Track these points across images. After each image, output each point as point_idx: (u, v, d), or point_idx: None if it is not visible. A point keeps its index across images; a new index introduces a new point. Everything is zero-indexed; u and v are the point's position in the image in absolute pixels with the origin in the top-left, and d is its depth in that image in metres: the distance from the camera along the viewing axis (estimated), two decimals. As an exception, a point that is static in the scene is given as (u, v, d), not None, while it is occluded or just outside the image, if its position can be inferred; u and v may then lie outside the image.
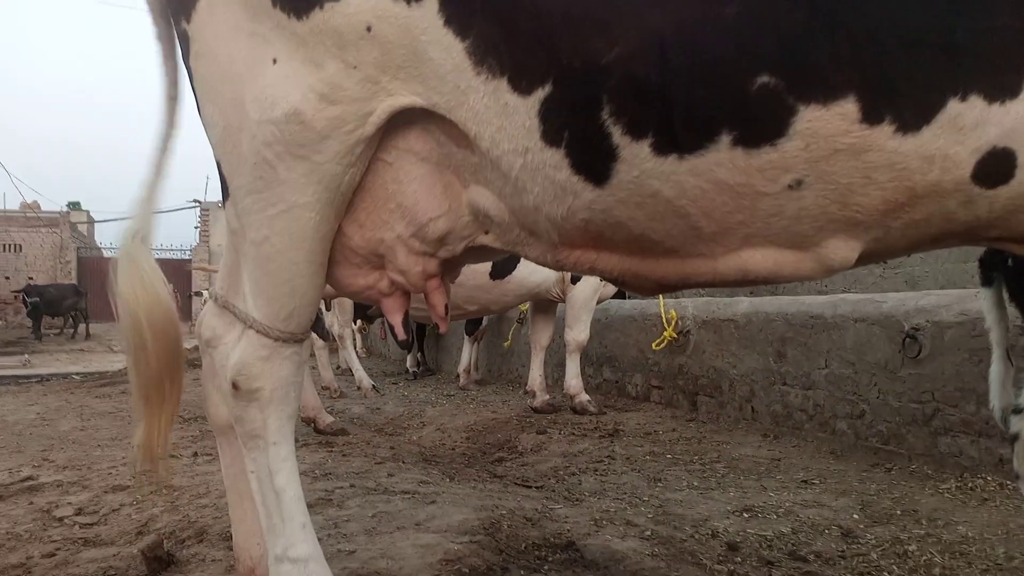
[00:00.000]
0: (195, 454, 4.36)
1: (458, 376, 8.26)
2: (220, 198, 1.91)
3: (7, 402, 7.35)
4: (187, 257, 32.47)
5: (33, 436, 5.24)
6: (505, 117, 1.47)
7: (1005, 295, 2.01)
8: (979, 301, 2.39)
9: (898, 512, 3.13)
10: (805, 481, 3.69)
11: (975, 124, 1.23)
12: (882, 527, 2.96)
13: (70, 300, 24.16)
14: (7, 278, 28.88)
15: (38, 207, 33.21)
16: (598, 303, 6.35)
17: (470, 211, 1.73)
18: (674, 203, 1.41)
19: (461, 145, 1.62)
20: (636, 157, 1.38)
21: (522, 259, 2.04)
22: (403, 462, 4.28)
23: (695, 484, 3.73)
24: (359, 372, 7.74)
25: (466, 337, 8.31)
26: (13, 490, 3.60)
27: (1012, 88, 1.22)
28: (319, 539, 1.99)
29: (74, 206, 34.78)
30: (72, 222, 32.06)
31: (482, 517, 2.95)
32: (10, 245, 30.07)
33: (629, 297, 6.96)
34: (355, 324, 10.10)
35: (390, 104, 1.59)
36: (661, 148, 1.36)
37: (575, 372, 6.17)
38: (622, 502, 3.40)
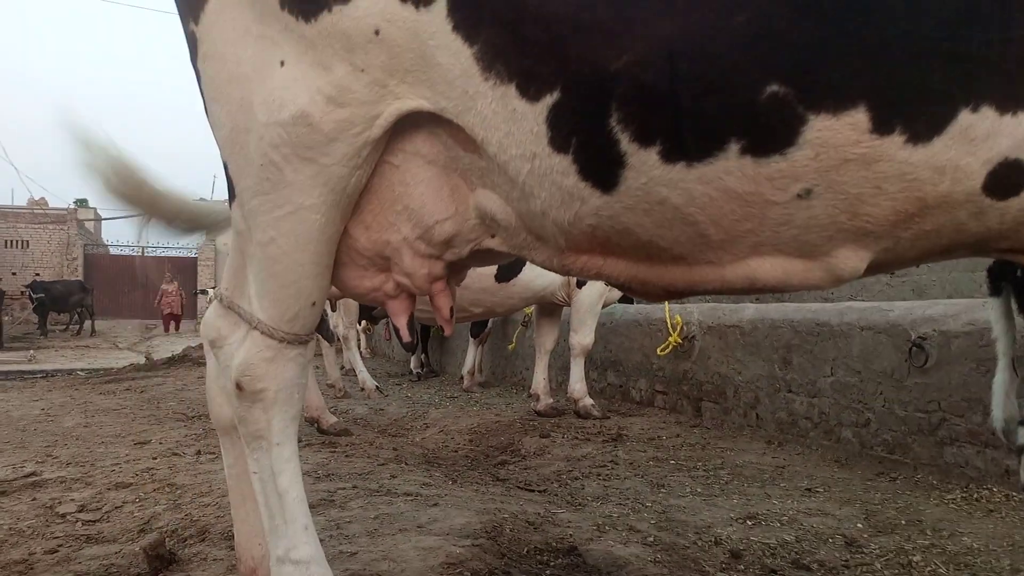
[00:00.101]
0: (198, 452, 4.36)
1: (462, 378, 8.26)
2: (226, 197, 1.91)
3: (12, 397, 7.38)
4: (193, 255, 32.57)
5: (37, 432, 5.26)
6: (513, 123, 1.47)
7: (1014, 305, 2.00)
8: (987, 311, 2.38)
9: (903, 522, 3.11)
10: (809, 489, 3.68)
11: (987, 135, 1.22)
12: (886, 537, 2.94)
13: (76, 296, 24.27)
14: (14, 274, 29.01)
15: (45, 204, 33.36)
16: (603, 307, 6.34)
17: (477, 214, 1.73)
18: (682, 210, 1.40)
19: (468, 149, 1.62)
20: (644, 164, 1.38)
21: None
22: (406, 464, 4.28)
23: (698, 490, 3.71)
24: (362, 373, 7.75)
25: (471, 339, 8.31)
26: (16, 486, 3.62)
27: None
28: (321, 540, 1.98)
29: (81, 203, 34.85)
30: (79, 219, 32.16)
31: (484, 521, 2.95)
32: (17, 241, 30.20)
33: (635, 302, 6.95)
34: (359, 325, 10.12)
35: (397, 107, 1.59)
36: (669, 156, 1.35)
37: (579, 376, 6.16)
38: (625, 507, 3.39)
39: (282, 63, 1.63)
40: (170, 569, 2.48)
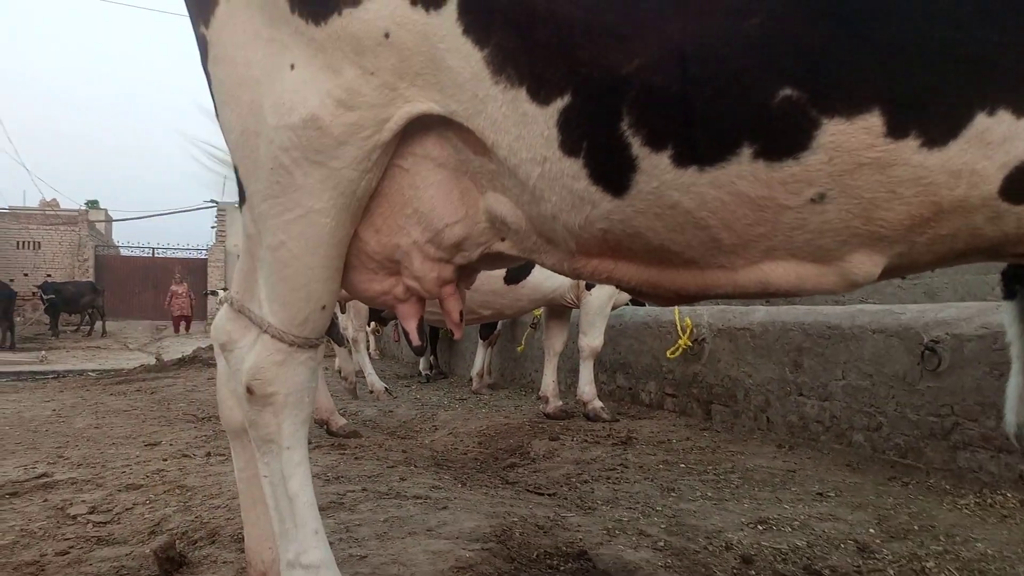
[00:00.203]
0: (208, 454, 4.38)
1: (471, 380, 8.26)
2: (236, 199, 1.91)
3: (24, 398, 7.43)
4: (203, 256, 32.72)
5: (48, 433, 5.29)
6: (523, 126, 1.46)
7: None
8: (1001, 314, 2.35)
9: (915, 527, 3.08)
10: (821, 494, 3.65)
11: (1003, 139, 1.21)
12: (899, 543, 2.92)
13: (87, 297, 24.42)
14: (26, 275, 29.21)
15: (57, 205, 33.61)
16: (613, 309, 6.33)
17: (487, 218, 1.72)
18: (694, 215, 1.39)
19: (478, 152, 1.61)
20: (656, 168, 1.37)
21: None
22: (415, 466, 4.28)
23: (709, 494, 3.69)
24: (371, 376, 7.76)
25: (480, 341, 8.31)
26: (28, 487, 3.63)
27: None
28: (331, 543, 1.98)
29: (92, 204, 35.13)
30: (90, 220, 32.38)
31: (494, 524, 2.94)
32: (29, 243, 30.40)
33: (645, 304, 6.93)
34: (369, 326, 10.13)
35: (407, 111, 1.59)
36: (681, 160, 1.34)
37: (588, 378, 6.15)
38: (635, 511, 3.37)
39: (292, 66, 1.62)
40: (180, 572, 2.49)
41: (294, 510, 1.86)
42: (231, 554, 2.63)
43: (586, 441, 5.09)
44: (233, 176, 1.88)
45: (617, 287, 1.76)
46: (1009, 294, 2.02)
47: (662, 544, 2.85)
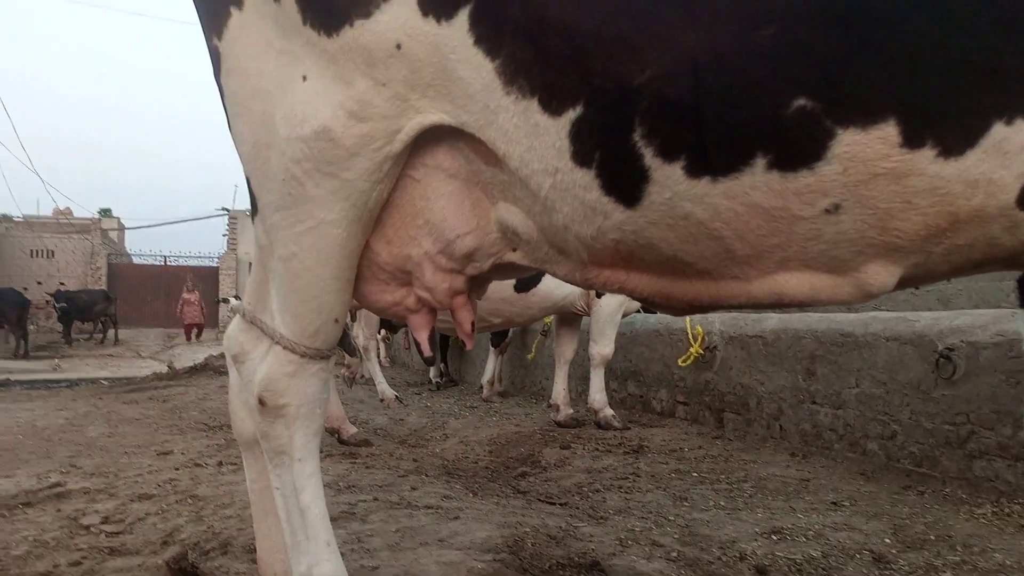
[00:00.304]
0: (220, 463, 4.38)
1: (481, 388, 8.24)
2: (248, 207, 1.92)
3: (37, 407, 7.46)
4: (215, 264, 32.89)
5: (62, 442, 5.31)
6: (535, 137, 1.45)
7: None
8: (1017, 322, 2.33)
9: (932, 537, 3.05)
10: (835, 503, 3.62)
11: (1021, 148, 1.19)
12: (915, 553, 2.88)
13: (100, 305, 24.54)
14: (39, 283, 29.38)
15: (70, 213, 33.91)
16: (623, 317, 6.31)
17: (498, 228, 1.72)
18: (707, 225, 1.38)
19: (490, 163, 1.61)
20: (668, 179, 1.36)
21: (547, 273, 2.02)
22: (426, 475, 4.27)
23: (722, 504, 3.67)
24: (382, 384, 7.76)
25: (491, 349, 8.30)
26: (41, 496, 3.65)
27: None
28: (342, 554, 1.98)
29: (105, 213, 35.38)
30: (103, 228, 32.57)
31: (506, 534, 2.93)
32: (42, 251, 30.63)
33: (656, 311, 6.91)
34: (379, 334, 10.14)
35: (419, 122, 1.58)
36: (694, 170, 1.34)
37: (599, 386, 6.13)
38: (648, 521, 3.35)
39: (304, 78, 1.63)
40: (192, 582, 2.49)
41: (306, 522, 1.86)
42: (243, 565, 2.62)
43: (597, 450, 5.07)
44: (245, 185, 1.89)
45: (630, 297, 1.75)
46: None
47: (675, 555, 2.83)
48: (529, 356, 8.27)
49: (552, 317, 6.74)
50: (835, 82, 1.22)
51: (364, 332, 8.06)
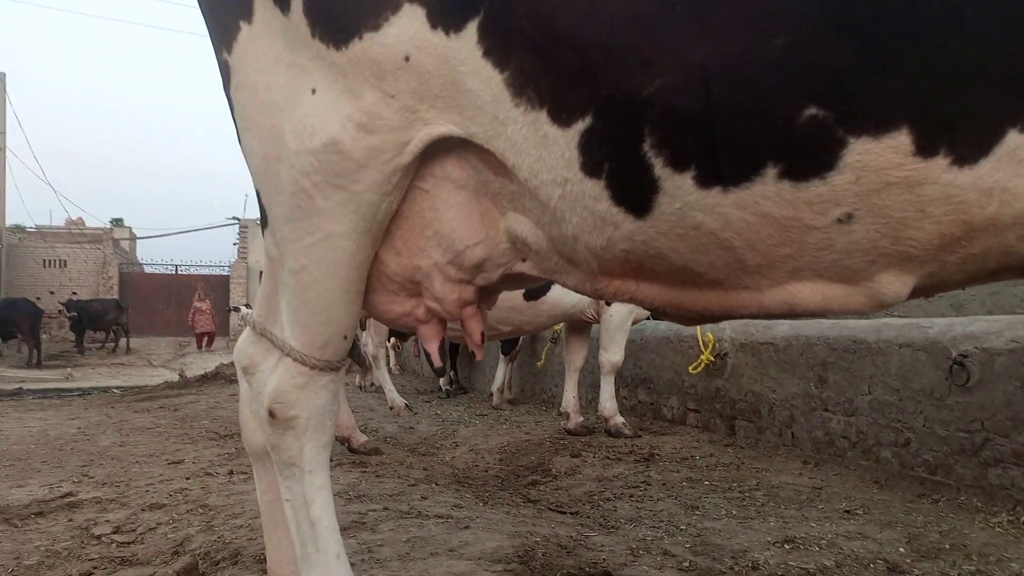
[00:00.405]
0: (230, 472, 4.39)
1: (491, 395, 8.23)
2: (258, 215, 1.92)
3: (49, 416, 7.50)
4: (225, 273, 33.04)
5: (73, 451, 5.33)
6: (544, 148, 1.45)
7: None
8: (1033, 330, 2.30)
9: (947, 546, 3.02)
10: (848, 511, 3.59)
11: (1036, 156, 1.18)
12: (930, 562, 2.85)
13: (112, 315, 24.68)
14: (52, 293, 29.59)
15: (82, 223, 34.14)
16: (633, 324, 6.29)
17: (507, 239, 1.71)
18: (718, 235, 1.37)
19: (499, 174, 1.60)
20: (678, 189, 1.35)
21: (556, 282, 2.02)
22: (436, 484, 4.26)
23: (734, 512, 3.64)
24: (391, 392, 7.76)
25: (501, 356, 8.29)
26: (53, 506, 3.66)
27: None
28: (352, 564, 1.97)
29: (117, 223, 35.63)
30: (115, 238, 32.80)
31: (516, 544, 2.91)
32: (55, 261, 30.84)
33: (665, 318, 6.88)
34: (389, 341, 10.15)
35: (427, 133, 1.58)
36: (704, 180, 1.33)
37: (609, 394, 6.11)
38: (659, 530, 3.33)
39: (313, 91, 1.63)
40: (203, 593, 2.49)
41: (316, 534, 1.85)
42: (253, 575, 2.62)
43: (608, 458, 5.05)
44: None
45: (641, 307, 1.74)
46: None
47: (687, 564, 2.81)
48: (539, 364, 8.26)
49: (562, 325, 6.73)
50: (847, 91, 1.21)
51: (373, 340, 8.07)
